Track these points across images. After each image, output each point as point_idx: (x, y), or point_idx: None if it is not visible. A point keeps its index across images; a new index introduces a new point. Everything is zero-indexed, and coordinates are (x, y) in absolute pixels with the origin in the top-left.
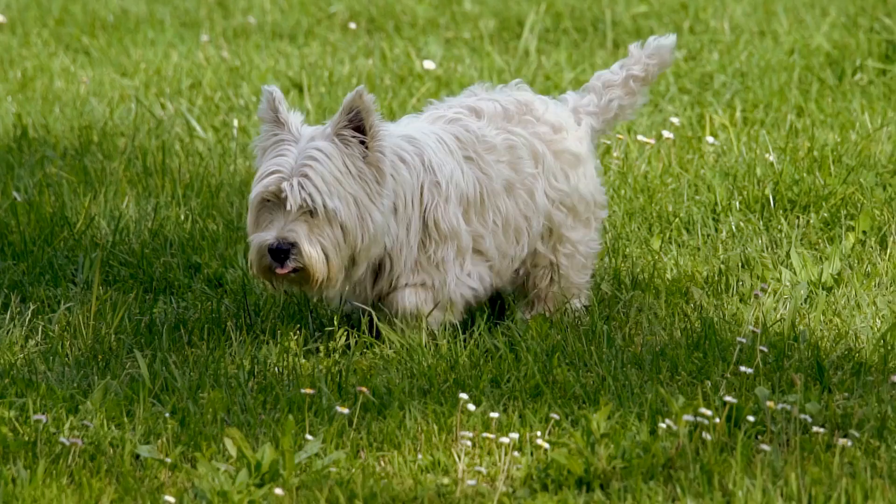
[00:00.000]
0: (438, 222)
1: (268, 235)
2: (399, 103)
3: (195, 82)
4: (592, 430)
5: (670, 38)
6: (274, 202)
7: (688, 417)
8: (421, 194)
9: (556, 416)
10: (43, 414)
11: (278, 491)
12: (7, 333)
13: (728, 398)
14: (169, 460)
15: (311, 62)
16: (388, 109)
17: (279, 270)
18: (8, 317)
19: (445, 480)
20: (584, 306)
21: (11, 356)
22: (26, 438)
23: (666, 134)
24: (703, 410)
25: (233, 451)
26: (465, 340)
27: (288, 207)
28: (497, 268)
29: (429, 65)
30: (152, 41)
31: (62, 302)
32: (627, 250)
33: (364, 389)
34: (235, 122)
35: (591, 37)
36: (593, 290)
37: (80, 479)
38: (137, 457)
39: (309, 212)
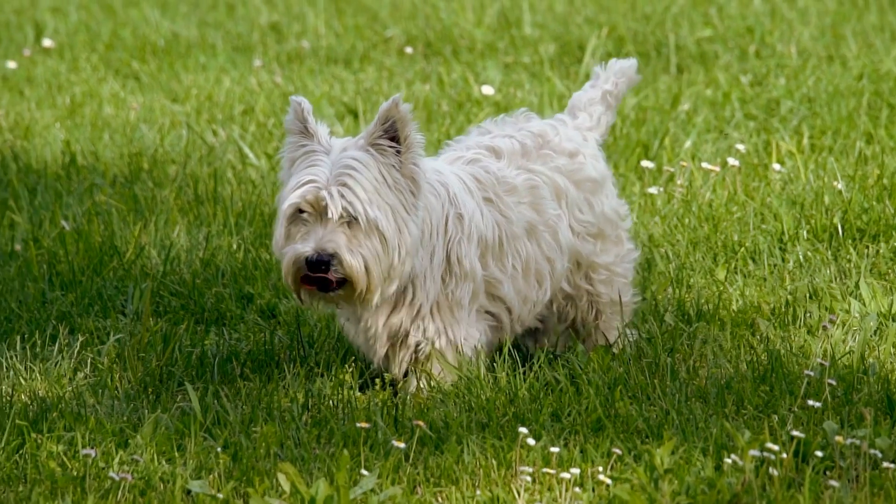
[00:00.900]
0: (461, 259)
1: (305, 246)
2: (457, 129)
3: (248, 108)
4: (656, 466)
5: (631, 61)
6: (309, 213)
7: (754, 452)
8: (445, 225)
9: (618, 451)
10: (92, 448)
11: None
12: (55, 366)
13: (795, 433)
14: (221, 496)
15: (367, 87)
16: (445, 136)
17: (327, 274)
18: (56, 349)
19: None
20: (637, 331)
21: (60, 389)
22: (75, 473)
23: (731, 161)
24: (770, 445)
25: (286, 487)
26: (524, 373)
27: (329, 215)
28: (517, 313)
29: (487, 90)
30: (204, 66)
31: (111, 333)
32: (692, 280)
33: (421, 423)
34: None
35: (654, 61)
36: (656, 322)
37: None
38: (189, 492)
39: (347, 222)
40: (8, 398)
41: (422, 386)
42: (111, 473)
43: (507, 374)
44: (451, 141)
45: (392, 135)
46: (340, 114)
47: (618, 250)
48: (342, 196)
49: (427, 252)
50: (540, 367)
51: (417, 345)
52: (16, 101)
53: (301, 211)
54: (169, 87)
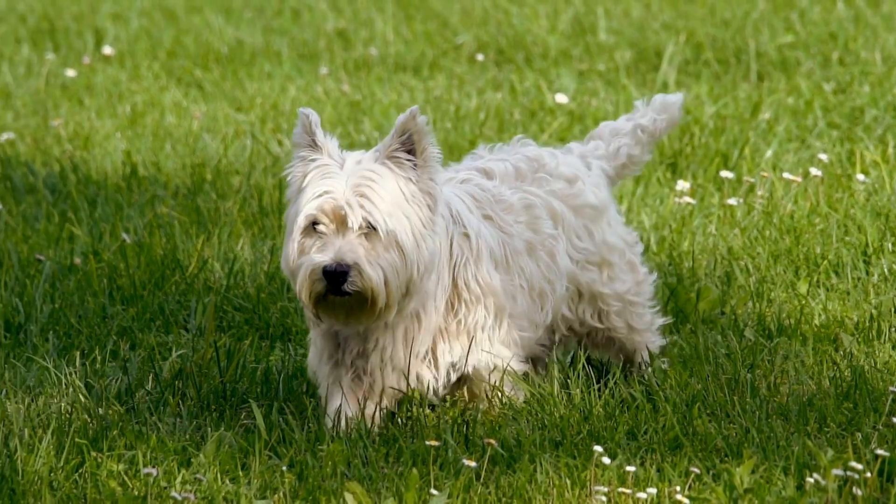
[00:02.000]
0: (469, 282)
1: (323, 257)
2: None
3: None
4: (735, 485)
5: (677, 96)
6: (325, 225)
7: (837, 472)
8: (451, 247)
9: (696, 470)
10: (153, 467)
11: None
12: (116, 382)
13: (880, 451)
14: None
15: (437, 96)
16: None
17: (344, 287)
18: (117, 365)
19: None
20: (661, 348)
21: (120, 406)
22: (136, 493)
23: (813, 171)
24: (854, 464)
25: None
26: (599, 390)
27: (350, 224)
28: (527, 336)
29: (561, 98)
30: (269, 74)
31: (174, 349)
32: (772, 294)
33: (492, 441)
34: None
35: (733, 69)
36: (736, 337)
37: None
38: None
39: (365, 234)
40: (67, 416)
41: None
42: (173, 493)
43: (582, 390)
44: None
45: (409, 147)
46: None
47: (633, 277)
48: (362, 207)
49: (435, 274)
50: (616, 383)
51: (453, 365)
52: (75, 110)
53: (316, 223)
54: (233, 95)
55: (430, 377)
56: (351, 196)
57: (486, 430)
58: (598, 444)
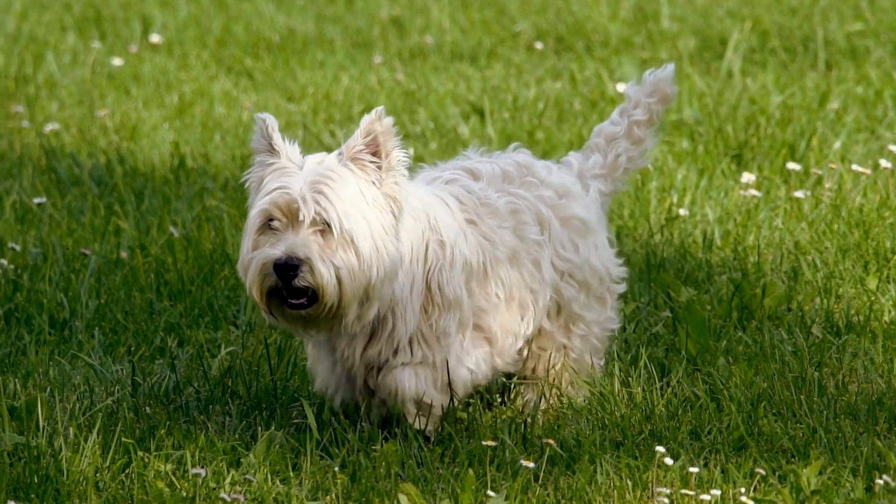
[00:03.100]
0: (443, 287)
1: (274, 250)
2: (589, 130)
3: (367, 107)
4: (802, 487)
5: (668, 69)
6: (279, 221)
7: None
8: (426, 252)
9: (761, 472)
10: (202, 467)
11: None
12: (164, 380)
13: None
14: None
15: (494, 85)
16: (577, 137)
17: (294, 299)
18: (164, 362)
19: None
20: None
21: (168, 405)
22: (184, 494)
23: (883, 163)
24: None
25: None
26: (661, 388)
27: (301, 218)
28: (500, 346)
29: (622, 88)
30: (321, 63)
31: (223, 346)
32: (841, 290)
33: (551, 441)
34: (411, 151)
35: (800, 57)
36: (803, 334)
37: None
38: None
39: (321, 231)
40: (113, 414)
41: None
42: (222, 494)
43: (644, 388)
44: (427, 166)
45: (374, 150)
46: (466, 113)
47: (602, 311)
48: (316, 202)
49: (407, 282)
50: (678, 381)
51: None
52: (122, 100)
53: (271, 220)
54: (284, 85)
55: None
56: (307, 192)
57: (545, 429)
58: (660, 444)
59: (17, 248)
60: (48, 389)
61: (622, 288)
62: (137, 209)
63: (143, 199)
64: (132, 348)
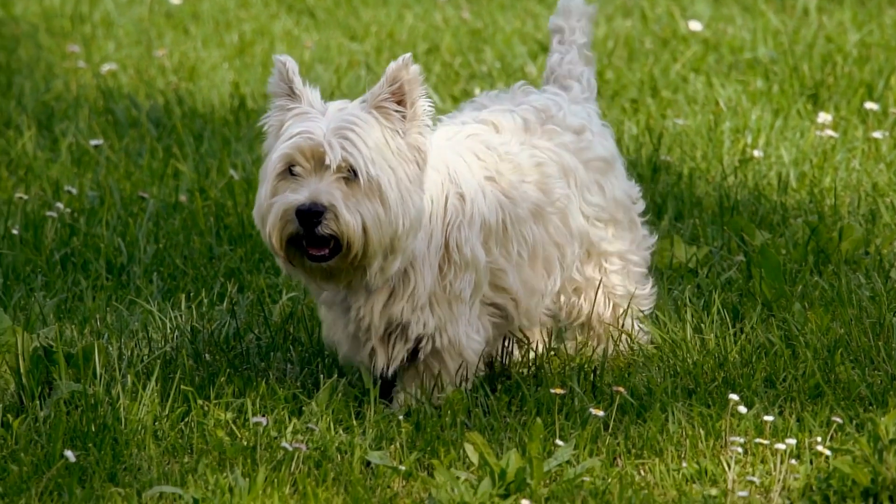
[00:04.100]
0: (461, 245)
1: (297, 196)
2: (661, 70)
3: (432, 46)
4: (880, 435)
5: None
6: (301, 167)
7: None
8: (445, 206)
9: (838, 420)
10: (263, 416)
11: (525, 503)
12: (223, 326)
13: None
14: (403, 468)
15: None
16: (648, 77)
17: (315, 250)
18: (224, 308)
19: (713, 492)
20: (644, 331)
21: (228, 352)
22: (245, 443)
23: None
24: None
25: (474, 459)
26: (735, 335)
27: (327, 162)
28: (524, 306)
29: (695, 26)
30: (384, 1)
31: (284, 291)
32: None
33: (621, 389)
34: (477, 91)
35: None
36: (881, 278)
37: (305, 488)
38: (368, 464)
39: (345, 178)
40: (172, 362)
41: (415, 393)
42: (284, 443)
43: (716, 335)
44: (444, 117)
45: (399, 98)
46: (533, 52)
47: (633, 236)
48: (343, 148)
49: (426, 235)
50: (752, 328)
51: (419, 339)
52: (180, 39)
53: (292, 166)
54: (346, 23)
55: (385, 356)
56: (332, 137)
57: (615, 377)
58: (733, 392)
59: (74, 191)
60: (105, 336)
61: (642, 205)
62: (196, 151)
63: (203, 141)
64: (191, 294)
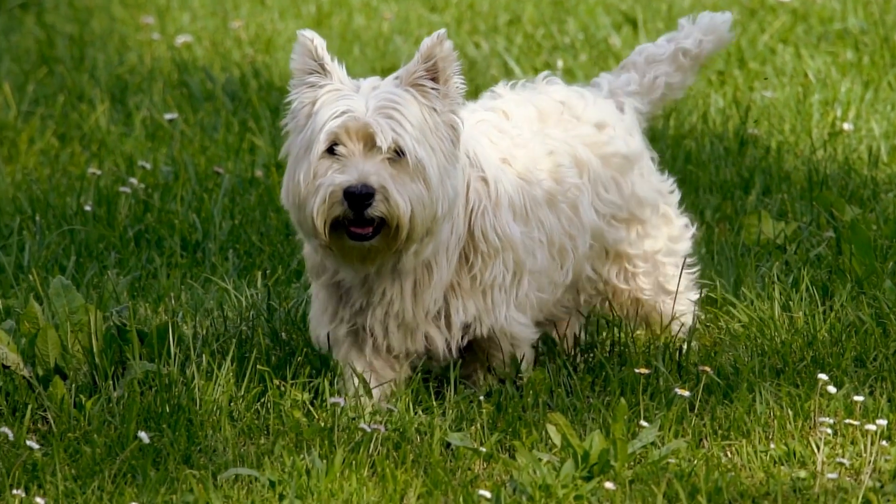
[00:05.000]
0: (486, 232)
1: (346, 177)
2: (748, 40)
3: (514, 17)
4: None
5: (726, 15)
6: (346, 147)
7: None
8: (467, 192)
9: None
10: (341, 397)
11: (609, 485)
12: (301, 304)
13: None
14: (484, 449)
15: None
16: (736, 49)
17: (358, 229)
18: (301, 285)
19: (802, 474)
20: (694, 315)
21: (305, 331)
22: (322, 424)
23: None
24: None
25: (556, 440)
26: (824, 312)
27: (379, 144)
28: (545, 298)
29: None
30: None
31: None
32: None
33: (707, 369)
34: (560, 63)
35: None
36: None
37: (383, 470)
38: (448, 445)
39: (389, 160)
40: (248, 341)
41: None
42: (362, 424)
43: (805, 313)
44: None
45: (433, 76)
46: (617, 23)
47: (668, 231)
48: (392, 129)
49: (448, 224)
50: (842, 305)
51: (466, 326)
52: (256, 11)
53: (335, 145)
54: None
55: (441, 338)
56: (377, 116)
57: (701, 356)
58: (822, 371)
59: (148, 166)
60: (180, 315)
61: (676, 196)
62: (273, 125)
63: (279, 115)
64: (267, 271)
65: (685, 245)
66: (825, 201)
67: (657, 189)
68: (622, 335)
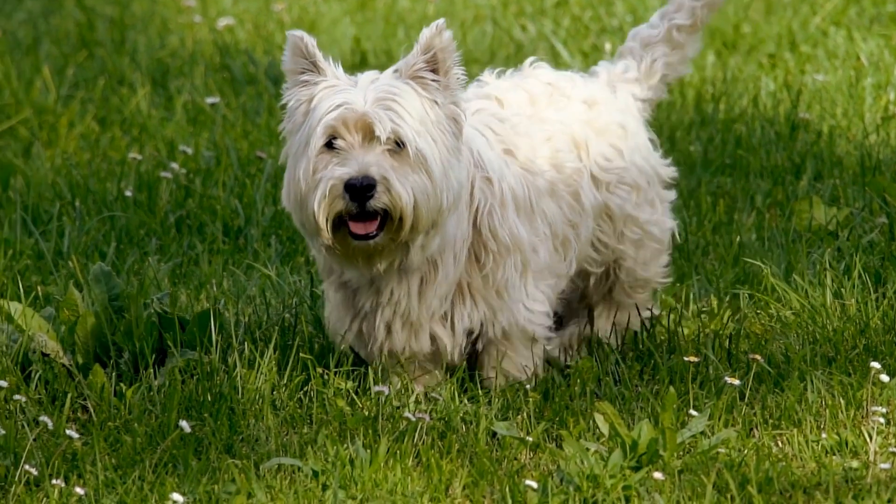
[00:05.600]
0: (495, 230)
1: (346, 169)
2: (800, 23)
3: (561, 0)
4: None
5: None
6: (345, 140)
7: None
8: (472, 192)
9: None
10: (385, 385)
11: (657, 475)
12: None
13: None
14: (530, 439)
15: None
16: (786, 30)
17: (361, 228)
18: None
19: (854, 464)
20: (652, 317)
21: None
22: (366, 413)
23: None
24: None
25: (604, 429)
26: (877, 300)
27: (378, 134)
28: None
29: None
30: None
31: None
32: None
33: (758, 357)
34: (608, 46)
35: None
36: None
37: (428, 459)
38: (494, 435)
39: (390, 151)
40: (291, 328)
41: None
42: (406, 413)
43: (857, 300)
44: None
45: (433, 67)
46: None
47: (651, 212)
48: (391, 119)
49: (452, 220)
50: (895, 293)
51: (470, 333)
52: None
53: (334, 139)
54: None
55: (448, 337)
56: (376, 107)
57: (751, 344)
58: (875, 359)
59: (190, 151)
60: (222, 302)
61: (673, 195)
62: None
63: None
64: (311, 258)
65: (665, 235)
66: (878, 186)
67: (654, 166)
68: (671, 323)
